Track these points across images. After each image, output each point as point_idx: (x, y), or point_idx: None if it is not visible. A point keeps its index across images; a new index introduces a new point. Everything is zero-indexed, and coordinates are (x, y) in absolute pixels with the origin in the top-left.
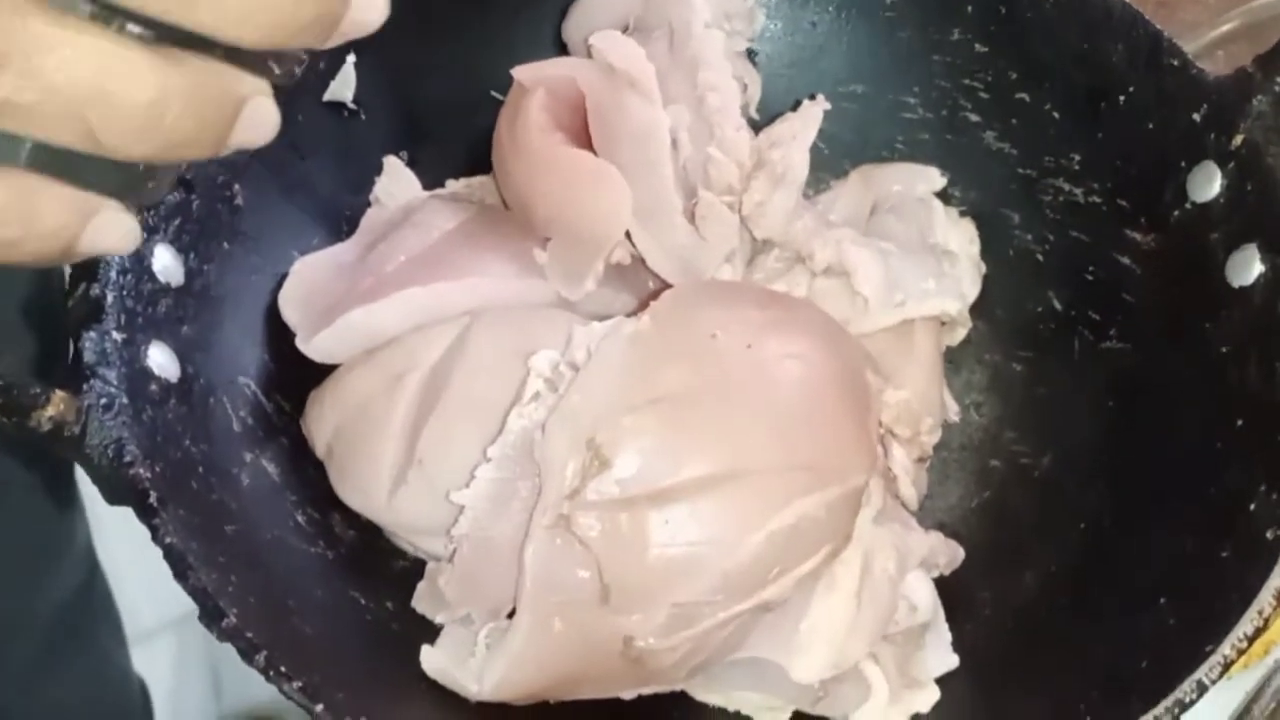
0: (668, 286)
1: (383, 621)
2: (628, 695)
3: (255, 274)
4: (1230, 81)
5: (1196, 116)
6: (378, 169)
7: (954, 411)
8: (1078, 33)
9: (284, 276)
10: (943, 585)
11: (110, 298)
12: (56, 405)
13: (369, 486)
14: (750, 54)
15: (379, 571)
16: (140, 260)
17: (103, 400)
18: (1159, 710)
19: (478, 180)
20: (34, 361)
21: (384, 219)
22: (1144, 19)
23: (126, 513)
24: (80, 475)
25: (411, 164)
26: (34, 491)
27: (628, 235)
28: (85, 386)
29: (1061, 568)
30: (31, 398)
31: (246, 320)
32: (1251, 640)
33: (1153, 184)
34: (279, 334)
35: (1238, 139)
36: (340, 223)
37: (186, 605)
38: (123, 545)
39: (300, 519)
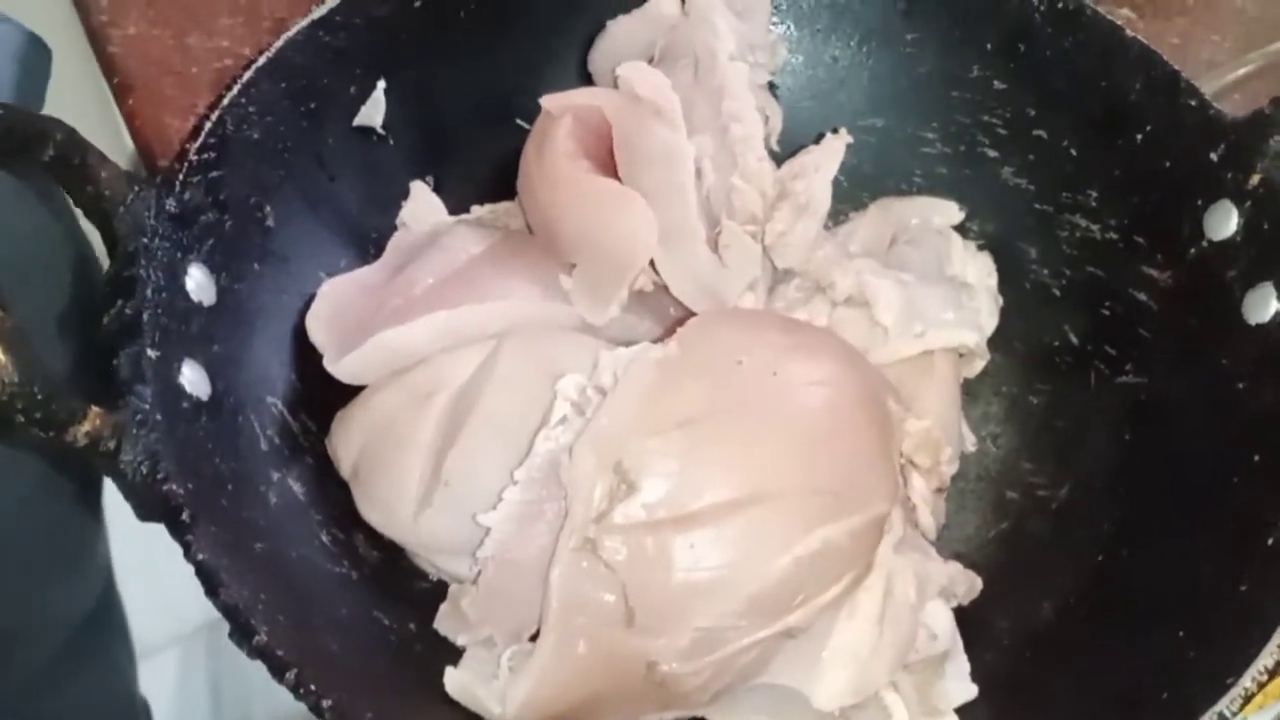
0: (690, 313)
1: (406, 642)
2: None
3: (284, 294)
4: (1247, 121)
5: (1214, 155)
6: (404, 193)
7: (971, 443)
8: (1095, 70)
9: (312, 297)
10: (961, 615)
11: (146, 315)
12: (93, 421)
13: (394, 507)
14: (772, 87)
15: (402, 592)
16: (175, 278)
17: (138, 416)
18: None
19: (503, 206)
20: (69, 376)
21: (410, 242)
22: (1161, 58)
23: (133, 529)
24: (107, 490)
25: (437, 189)
26: (62, 504)
27: (651, 263)
28: (121, 403)
29: (1079, 598)
30: (69, 413)
31: (275, 340)
32: (1273, 674)
33: (1170, 221)
34: (307, 354)
35: (1255, 178)
36: (367, 245)
37: (189, 622)
38: (128, 561)
39: (325, 539)
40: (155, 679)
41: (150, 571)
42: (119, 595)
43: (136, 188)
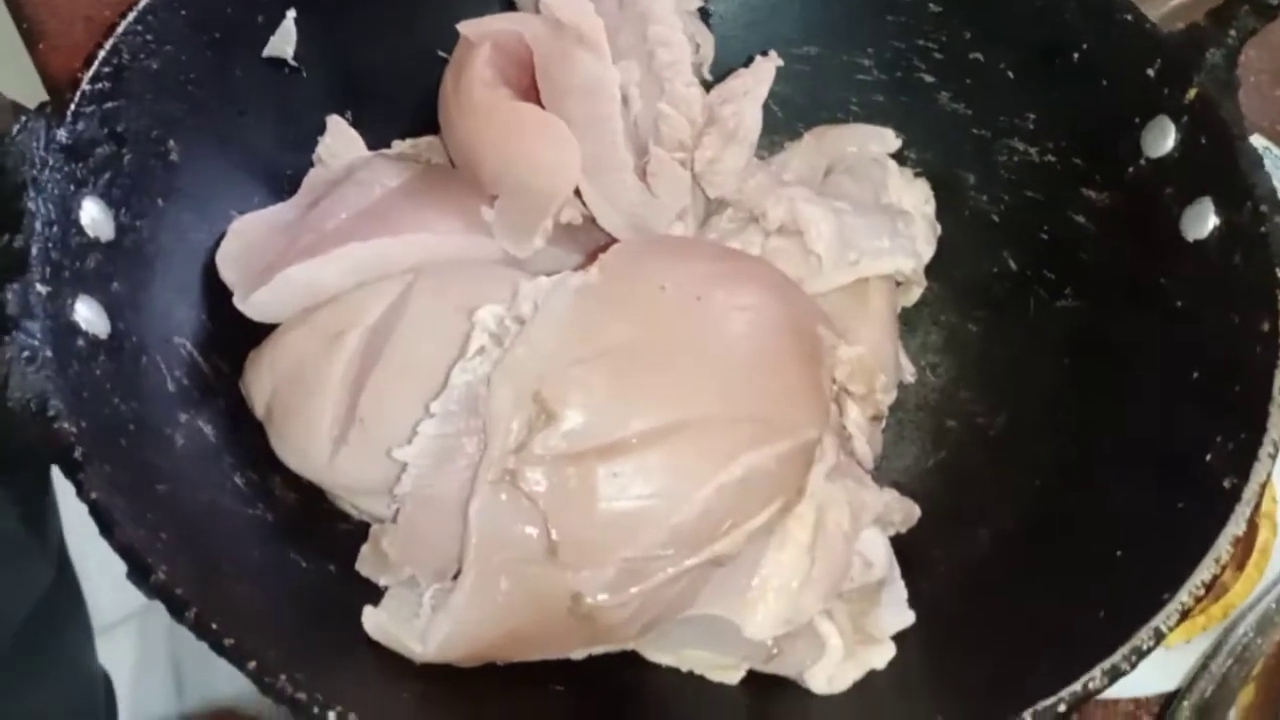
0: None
1: (325, 584)
2: (577, 655)
3: (192, 232)
4: (1183, 35)
5: (1150, 71)
6: (321, 128)
7: (910, 372)
8: None
9: (222, 235)
10: (899, 544)
11: (35, 250)
12: None
13: (309, 447)
14: (704, 13)
15: (321, 534)
16: (67, 213)
17: (25, 353)
18: (1116, 658)
19: (424, 141)
20: None
21: (326, 178)
22: None
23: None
24: (55, 473)
25: (356, 124)
26: (8, 494)
27: (577, 193)
28: (7, 338)
29: (1017, 525)
30: None
31: (183, 279)
32: (1208, 588)
33: (1107, 141)
34: (217, 294)
35: (1191, 93)
36: (282, 182)
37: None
38: (85, 537)
39: (239, 481)
40: (115, 653)
41: (103, 545)
42: (74, 571)
43: (24, 118)
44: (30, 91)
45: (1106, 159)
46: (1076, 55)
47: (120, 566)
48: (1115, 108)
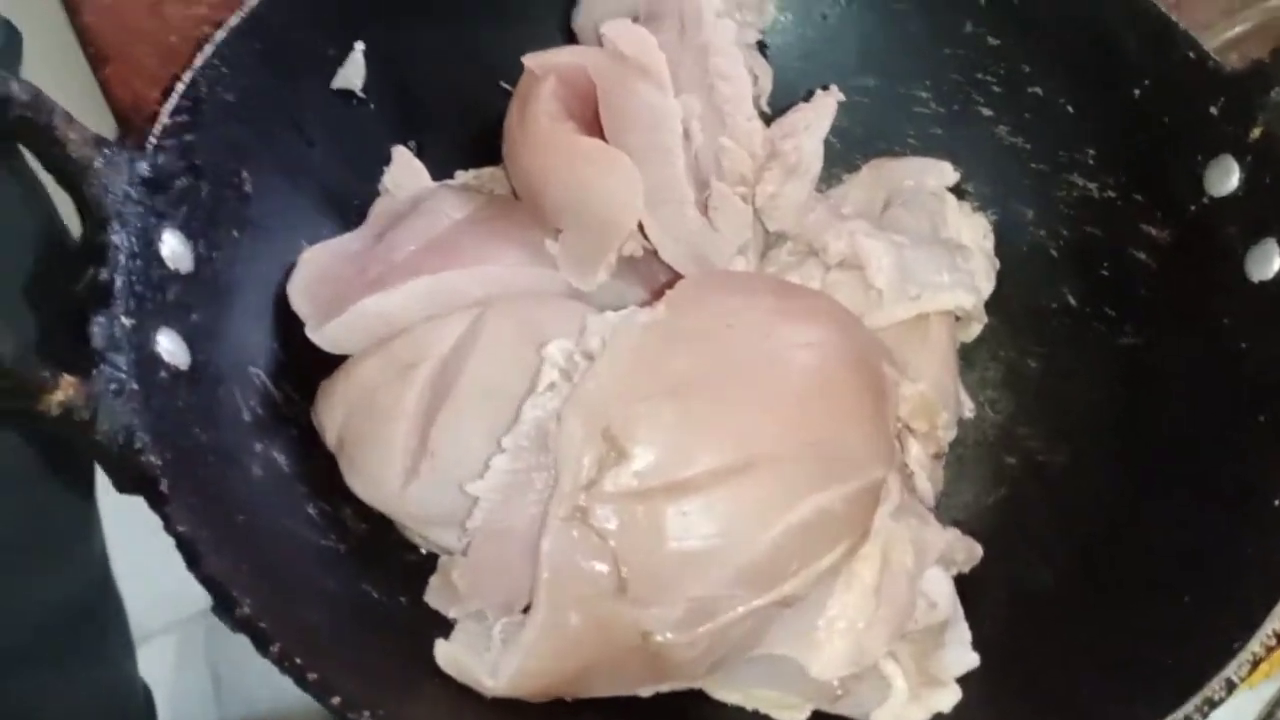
0: (680, 278)
1: (395, 615)
2: (645, 692)
3: (264, 262)
4: (1247, 74)
5: (1213, 109)
6: (386, 158)
7: (969, 408)
8: (1091, 24)
9: (293, 265)
10: (961, 583)
11: (119, 283)
12: (66, 390)
13: (380, 478)
14: (761, 46)
15: (391, 565)
16: (149, 245)
17: (112, 386)
18: (1188, 708)
19: (488, 171)
20: (36, 347)
21: (393, 209)
22: (1158, 9)
23: (129, 513)
24: (98, 476)
25: (420, 154)
26: (51, 500)
27: (640, 227)
28: (95, 371)
29: (1080, 566)
30: (40, 382)
31: (256, 308)
32: None
33: (1169, 178)
34: (289, 323)
35: (1255, 131)
36: (349, 212)
37: (187, 608)
38: (125, 546)
39: (311, 511)
40: (155, 664)
41: (148, 554)
42: (114, 581)
43: (107, 151)
44: (96, 115)
45: (1168, 196)
46: (1138, 91)
47: (159, 578)
48: (1177, 145)
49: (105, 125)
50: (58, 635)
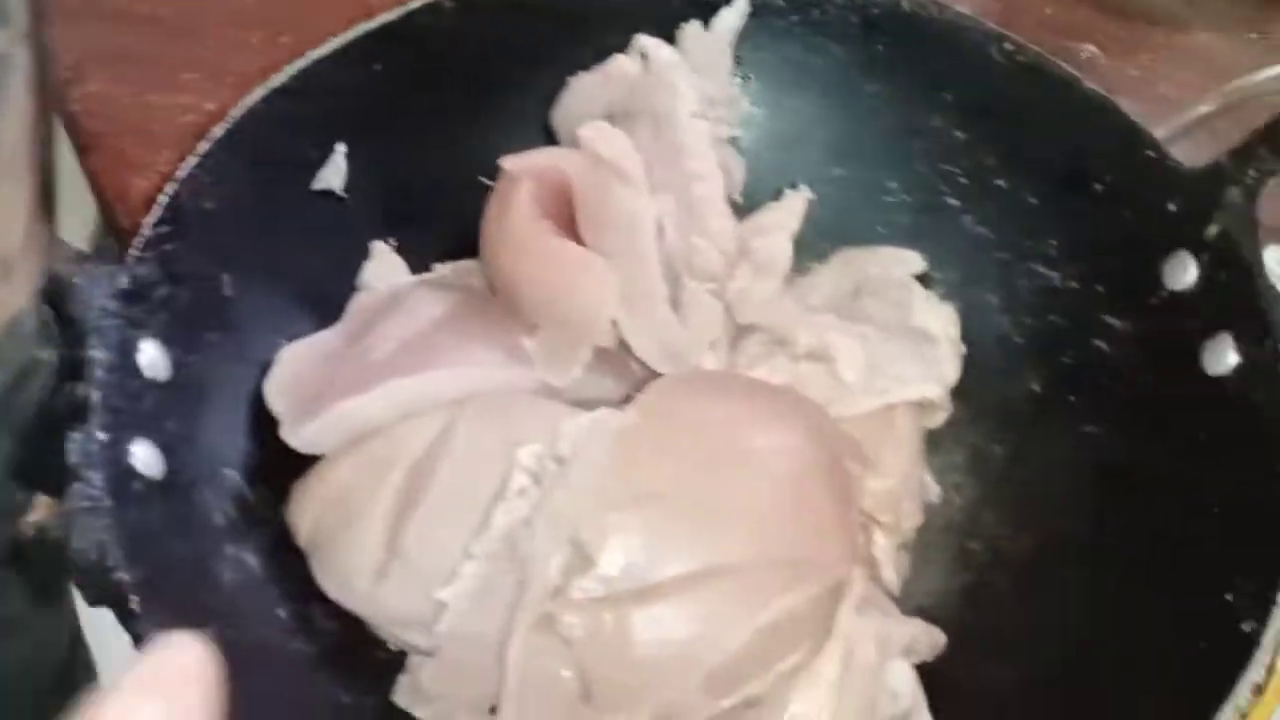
0: (653, 372)
1: (364, 716)
2: None
3: (241, 363)
4: (1205, 172)
5: (1172, 206)
6: (365, 253)
7: (934, 493)
8: (1055, 122)
9: (269, 364)
10: (924, 671)
11: (96, 397)
12: (40, 511)
13: (351, 579)
14: (734, 140)
15: (361, 664)
16: (127, 356)
17: (86, 504)
18: None
19: (465, 264)
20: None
21: (371, 304)
22: (1119, 110)
23: None
24: None
25: (399, 249)
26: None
27: (614, 323)
28: (70, 491)
29: (1042, 654)
30: (16, 504)
31: (231, 410)
32: None
33: (1129, 271)
34: (264, 422)
35: (1212, 229)
36: (329, 308)
37: None
38: (104, 618)
39: (282, 613)
40: None
41: (122, 631)
42: (88, 647)
43: (87, 266)
44: (81, 203)
45: (1129, 288)
46: (1099, 186)
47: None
48: (1137, 239)
49: (89, 213)
50: (31, 706)
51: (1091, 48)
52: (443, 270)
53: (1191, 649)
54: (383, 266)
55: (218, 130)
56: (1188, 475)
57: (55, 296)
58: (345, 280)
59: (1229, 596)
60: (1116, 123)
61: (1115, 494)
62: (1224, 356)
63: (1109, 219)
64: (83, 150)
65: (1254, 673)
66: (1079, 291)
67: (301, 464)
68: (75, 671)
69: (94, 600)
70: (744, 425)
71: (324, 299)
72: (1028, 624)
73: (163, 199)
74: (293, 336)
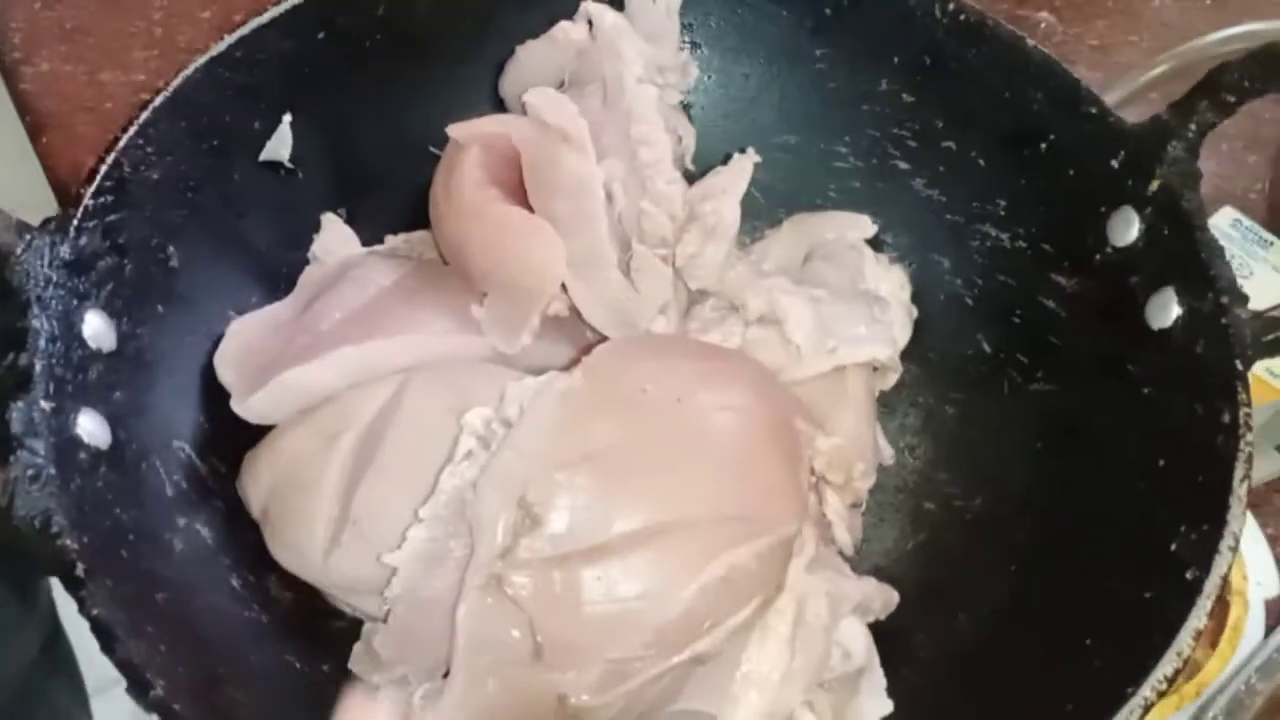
0: (604, 338)
1: (319, 684)
2: None
3: (190, 335)
4: (1146, 128)
5: (1114, 163)
6: (316, 225)
7: (888, 455)
8: (1000, 82)
9: (220, 336)
10: (878, 629)
11: (39, 366)
12: None
13: (304, 548)
14: (685, 106)
15: (316, 633)
16: (70, 327)
17: (29, 471)
18: None
19: (418, 235)
20: None
21: (322, 276)
22: (1062, 68)
23: None
24: None
25: (350, 220)
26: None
27: (564, 288)
28: (12, 458)
29: (995, 609)
30: None
31: (181, 382)
32: (1171, 681)
33: (1075, 229)
34: (214, 394)
35: (1154, 184)
36: (279, 281)
37: None
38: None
39: (235, 583)
40: (110, 715)
41: None
42: (66, 637)
43: (29, 236)
44: (35, 183)
45: (1075, 246)
46: (1044, 145)
47: None
48: (1082, 197)
49: (43, 193)
50: (8, 697)
51: (1047, 15)
52: (395, 242)
53: (1138, 598)
54: (333, 238)
55: (158, 100)
56: (1135, 429)
57: None
58: (297, 253)
59: (1173, 546)
60: (1059, 81)
61: (1064, 449)
62: (1168, 310)
63: (1055, 177)
64: (35, 130)
65: (1195, 620)
66: (1027, 251)
67: (253, 436)
68: (51, 664)
69: (41, 567)
70: (689, 384)
71: (274, 272)
72: (981, 579)
73: (103, 168)
74: (242, 309)
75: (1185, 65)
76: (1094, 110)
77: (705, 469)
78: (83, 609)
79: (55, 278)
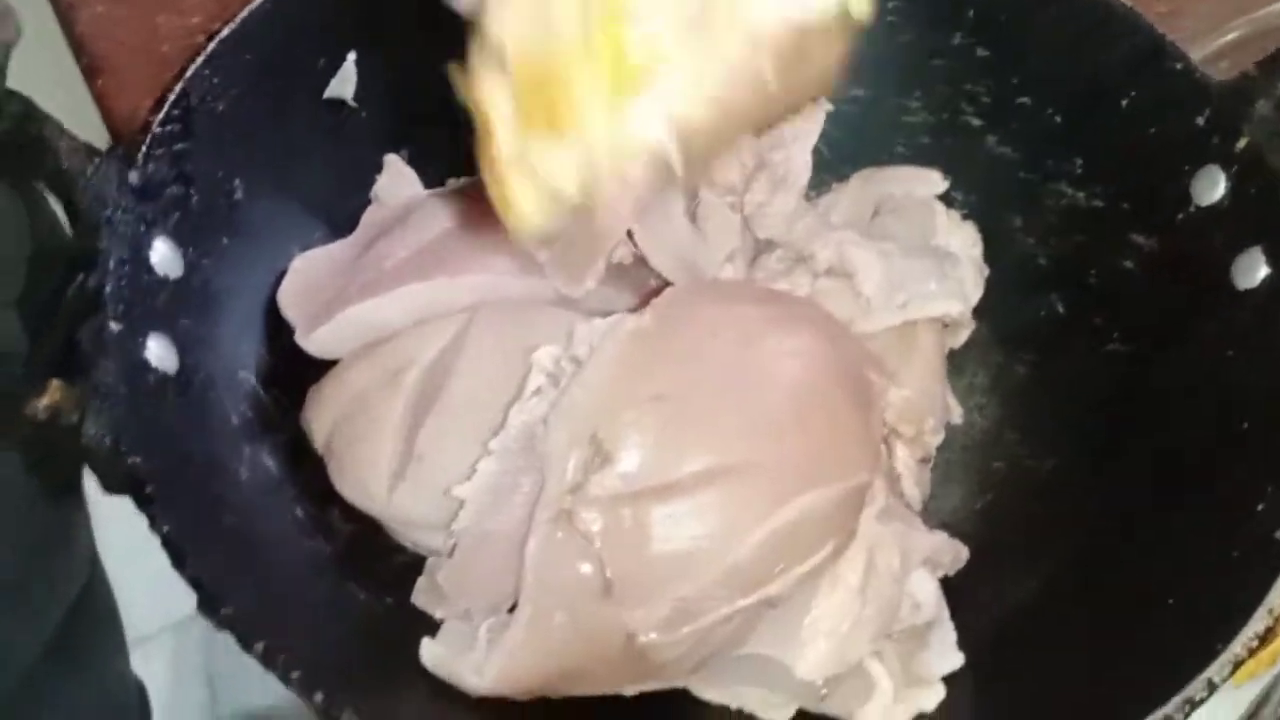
0: (669, 285)
1: (382, 616)
2: (629, 692)
3: (255, 268)
4: (1233, 85)
5: (1200, 120)
6: (378, 167)
7: (957, 414)
8: (1079, 37)
9: (284, 272)
10: (947, 585)
11: (109, 289)
12: (54, 394)
13: (368, 482)
14: None
15: (378, 566)
16: (138, 252)
17: (100, 390)
18: (1169, 708)
19: (479, 179)
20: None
21: (384, 217)
22: (1146, 23)
23: (126, 515)
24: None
25: (412, 162)
26: (37, 496)
27: (629, 234)
28: (83, 377)
29: (1066, 570)
30: (29, 385)
31: (246, 314)
32: (1263, 640)
33: (1156, 188)
34: (278, 328)
35: (1241, 142)
36: (341, 220)
37: (184, 609)
38: (122, 547)
39: (299, 513)
40: (151, 664)
41: (146, 556)
42: (107, 582)
43: (97, 160)
44: (90, 126)
45: (1155, 205)
46: (1125, 102)
47: (156, 579)
48: (1164, 155)
49: (99, 136)
50: (49, 638)
51: None
52: (457, 184)
53: (1222, 558)
54: (395, 179)
55: (225, 30)
56: (1215, 391)
57: (67, 188)
58: (359, 193)
59: (1260, 507)
60: (1141, 36)
61: (1141, 412)
62: (1254, 270)
63: (1135, 136)
64: (90, 73)
65: None
66: (1104, 210)
67: (317, 371)
68: (91, 608)
69: (109, 486)
70: (760, 328)
71: (337, 210)
72: (1052, 540)
73: (170, 97)
74: (305, 246)
75: (1257, 31)
76: (1178, 66)
77: (774, 412)
78: (153, 526)
79: (124, 203)
